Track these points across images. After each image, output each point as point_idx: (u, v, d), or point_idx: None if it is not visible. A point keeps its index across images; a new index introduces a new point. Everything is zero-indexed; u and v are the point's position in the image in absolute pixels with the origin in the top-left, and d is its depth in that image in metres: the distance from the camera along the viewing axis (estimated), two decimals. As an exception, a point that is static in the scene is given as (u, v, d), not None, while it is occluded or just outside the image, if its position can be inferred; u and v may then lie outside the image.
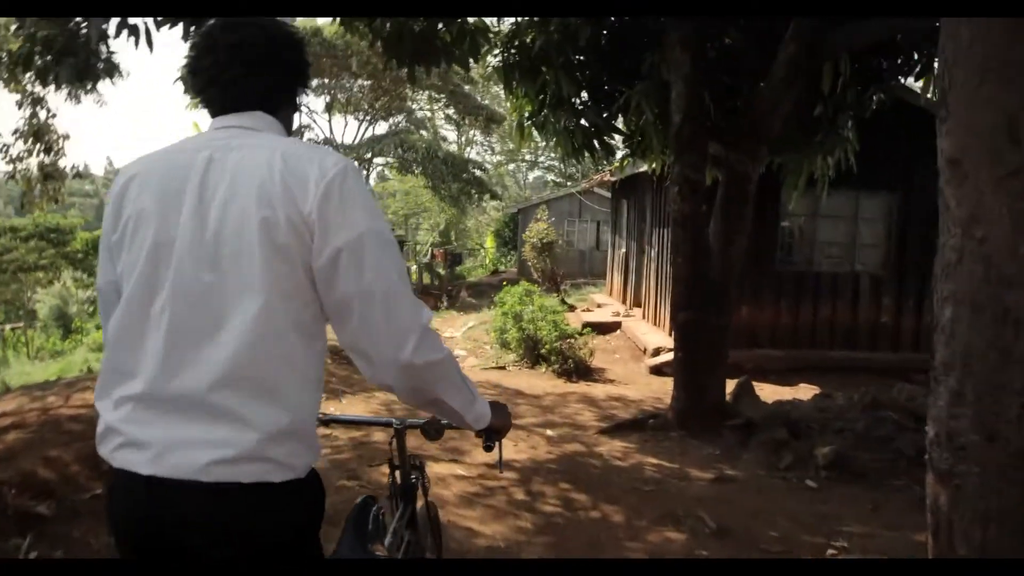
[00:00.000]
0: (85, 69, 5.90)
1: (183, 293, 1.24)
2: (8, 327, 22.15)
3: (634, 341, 10.10)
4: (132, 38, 5.10)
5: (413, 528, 2.07)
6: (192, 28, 4.81)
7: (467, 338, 12.19)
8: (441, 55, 6.00)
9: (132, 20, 5.13)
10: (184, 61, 1.43)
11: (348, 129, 29.34)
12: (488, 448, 1.63)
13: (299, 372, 1.27)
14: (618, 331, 11.02)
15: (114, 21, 5.27)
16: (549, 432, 5.72)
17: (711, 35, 6.19)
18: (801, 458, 4.99)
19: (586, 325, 11.17)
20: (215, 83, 1.36)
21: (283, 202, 1.22)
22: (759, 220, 7.11)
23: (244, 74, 1.34)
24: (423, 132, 28.73)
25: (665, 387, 7.76)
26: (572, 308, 13.95)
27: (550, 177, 50.87)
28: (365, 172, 31.86)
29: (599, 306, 13.55)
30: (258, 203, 1.22)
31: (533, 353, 8.73)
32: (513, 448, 4.97)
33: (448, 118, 33.88)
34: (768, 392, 6.91)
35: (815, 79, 5.73)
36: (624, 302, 13.10)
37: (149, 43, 5.22)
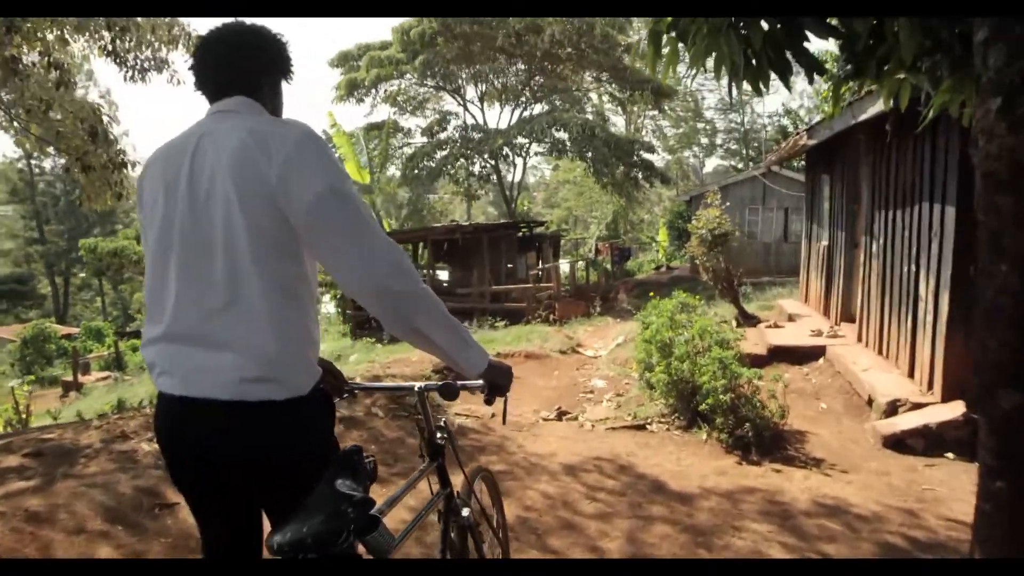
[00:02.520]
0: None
1: (186, 253, 1.63)
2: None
3: (848, 380, 6.74)
4: None
5: (444, 483, 2.27)
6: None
7: (613, 360, 9.29)
8: None
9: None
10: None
11: (503, 117, 27.40)
12: (488, 402, 1.95)
13: (287, 306, 1.62)
14: (821, 359, 7.67)
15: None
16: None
17: None
18: None
19: (774, 351, 7.92)
20: (205, 77, 1.79)
21: (252, 171, 1.56)
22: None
23: (225, 67, 1.76)
24: (579, 112, 25.78)
25: (918, 482, 4.50)
26: (752, 320, 10.61)
27: (730, 163, 46.28)
28: (522, 160, 29.77)
29: (791, 318, 10.12)
30: (232, 174, 1.57)
31: (688, 406, 5.71)
32: None
33: (612, 96, 30.84)
34: None
35: None
36: (826, 314, 9.60)
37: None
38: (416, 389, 2.21)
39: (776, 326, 9.30)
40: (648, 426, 5.87)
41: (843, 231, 8.93)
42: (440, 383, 2.10)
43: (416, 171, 24.47)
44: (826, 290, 9.68)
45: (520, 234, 22.46)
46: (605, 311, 17.70)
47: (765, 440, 5.15)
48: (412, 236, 22.13)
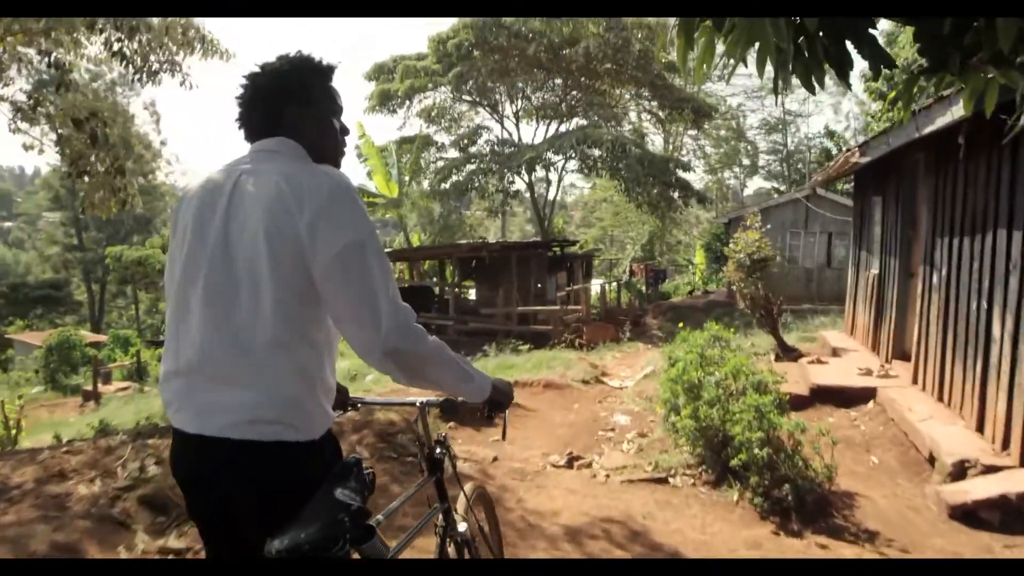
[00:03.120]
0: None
1: (209, 289, 1.64)
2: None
3: (903, 429, 5.90)
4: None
5: (443, 497, 2.31)
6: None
7: (640, 393, 8.52)
8: None
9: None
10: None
11: (538, 133, 26.76)
12: (489, 418, 2.12)
13: (305, 352, 1.65)
14: (871, 403, 6.83)
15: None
16: None
17: None
18: None
19: (817, 392, 7.10)
20: (246, 116, 1.81)
21: (284, 218, 1.59)
22: None
23: (265, 109, 1.78)
24: (614, 128, 25.00)
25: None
26: (792, 353, 9.76)
27: (772, 185, 45.04)
28: (557, 177, 29.09)
29: (835, 353, 9.25)
30: (264, 219, 1.60)
31: (718, 458, 4.94)
32: None
33: (651, 114, 30.09)
34: None
35: None
36: (875, 349, 8.73)
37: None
38: (417, 404, 2.27)
39: (819, 361, 8.45)
40: (671, 479, 5.11)
41: (896, 259, 8.08)
42: (441, 399, 2.17)
43: (444, 185, 23.93)
44: (875, 323, 8.81)
45: (551, 253, 21.75)
46: (636, 336, 16.88)
47: (808, 505, 4.35)
48: (437, 253, 21.59)
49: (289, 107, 1.76)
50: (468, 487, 2.55)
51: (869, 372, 7.51)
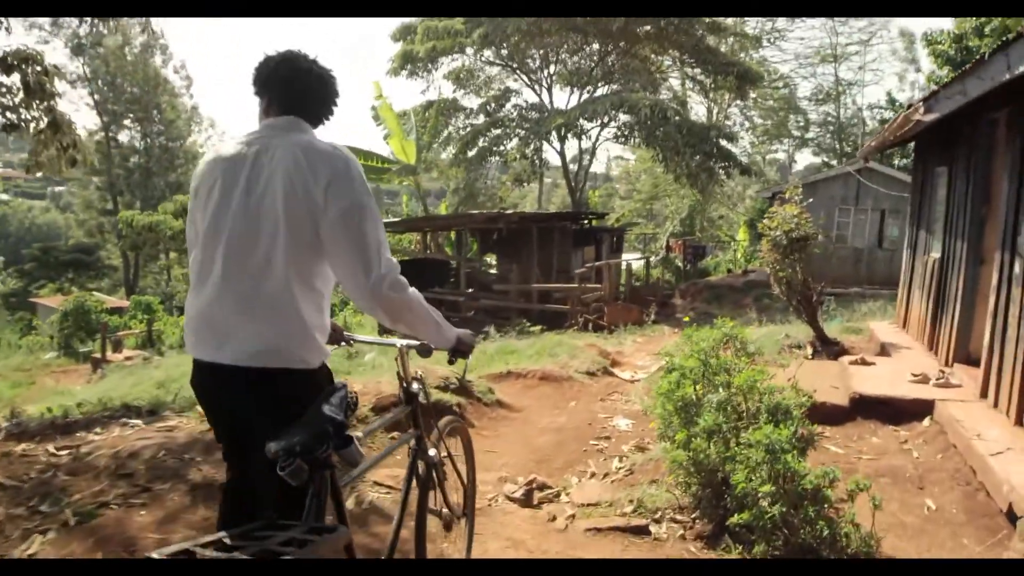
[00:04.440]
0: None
1: (232, 240, 2.00)
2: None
3: (969, 462, 4.56)
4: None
5: (416, 425, 2.71)
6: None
7: (651, 388, 7.24)
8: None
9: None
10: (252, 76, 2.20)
11: (572, 100, 25.25)
12: (451, 363, 2.44)
13: (308, 297, 2.03)
14: (927, 420, 5.49)
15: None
16: None
17: None
18: None
19: (859, 402, 5.79)
20: (273, 90, 2.15)
21: (300, 183, 1.96)
22: None
23: (295, 91, 2.14)
24: (652, 93, 23.26)
25: None
26: (832, 348, 8.40)
27: (823, 159, 42.58)
28: (592, 145, 27.40)
29: (884, 350, 7.86)
30: (283, 183, 1.96)
31: (717, 504, 3.69)
32: None
33: (694, 81, 28.26)
34: None
35: None
36: (933, 348, 7.32)
37: None
38: (398, 345, 2.67)
39: (864, 362, 7.07)
40: (656, 525, 3.88)
41: (964, 242, 6.64)
42: (417, 343, 2.48)
43: (468, 152, 22.62)
44: (933, 317, 7.39)
45: (577, 227, 20.33)
46: (663, 318, 15.53)
47: (837, 585, 3.10)
48: (449, 223, 20.24)
49: (316, 101, 2.19)
50: (443, 421, 2.97)
51: (925, 379, 6.14)
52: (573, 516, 4.04)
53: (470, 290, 17.18)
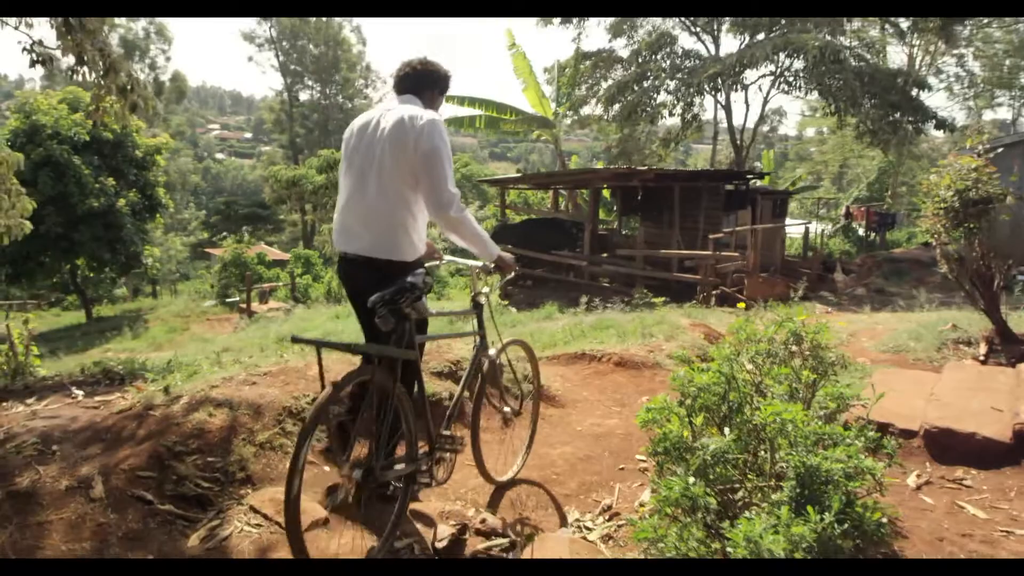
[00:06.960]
0: None
1: (356, 171, 3.09)
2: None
3: None
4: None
5: (480, 327, 3.57)
6: None
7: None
8: None
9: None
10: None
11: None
12: (489, 272, 3.46)
13: (406, 214, 3.04)
14: None
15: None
16: None
17: None
18: None
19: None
20: (400, 82, 3.29)
21: (402, 135, 2.97)
22: None
23: (411, 80, 3.27)
24: (827, 33, 20.09)
25: None
26: (1016, 348, 6.29)
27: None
28: (762, 97, 24.52)
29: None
30: (390, 135, 3.00)
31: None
32: None
33: (890, 24, 24.48)
34: None
35: None
36: None
37: None
38: (472, 266, 3.56)
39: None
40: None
41: None
42: (484, 263, 3.45)
43: (614, 105, 20.88)
44: None
45: (730, 187, 18.12)
46: (814, 295, 13.32)
47: None
48: (572, 179, 18.51)
49: (426, 84, 3.29)
50: (508, 338, 3.88)
51: None
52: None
53: (590, 254, 15.73)
